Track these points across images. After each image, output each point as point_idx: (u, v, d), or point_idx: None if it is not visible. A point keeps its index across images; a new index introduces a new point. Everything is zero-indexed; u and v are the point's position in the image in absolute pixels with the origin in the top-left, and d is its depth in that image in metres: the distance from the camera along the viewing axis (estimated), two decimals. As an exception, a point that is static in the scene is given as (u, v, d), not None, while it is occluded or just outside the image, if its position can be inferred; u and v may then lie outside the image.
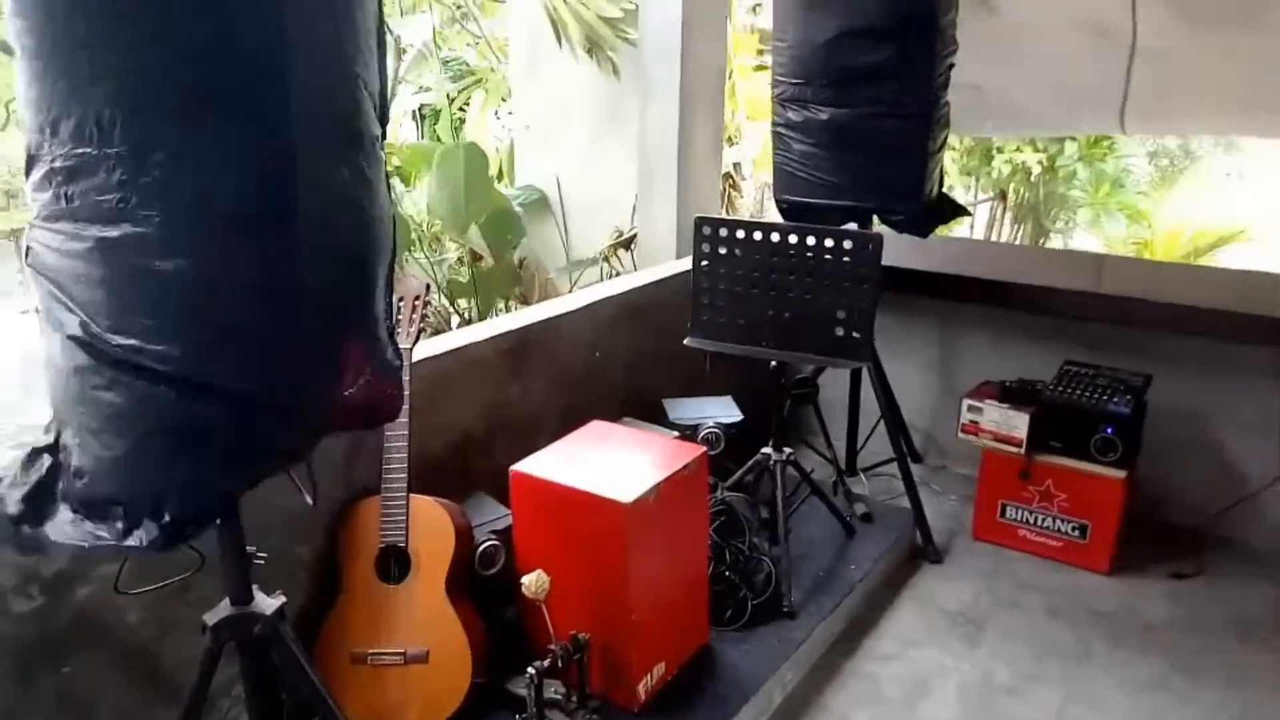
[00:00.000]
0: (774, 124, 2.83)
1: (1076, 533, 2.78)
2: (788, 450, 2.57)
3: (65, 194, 1.11)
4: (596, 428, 2.23)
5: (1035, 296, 3.05)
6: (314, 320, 1.21)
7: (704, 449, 2.10)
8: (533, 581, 1.86)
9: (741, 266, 2.42)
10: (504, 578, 2.09)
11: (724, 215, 4.08)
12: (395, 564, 1.93)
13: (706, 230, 2.44)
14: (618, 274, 3.98)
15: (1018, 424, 2.78)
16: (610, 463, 2.02)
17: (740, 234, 2.41)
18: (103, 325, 1.14)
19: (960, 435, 2.89)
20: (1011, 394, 2.83)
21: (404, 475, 1.93)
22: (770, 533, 2.52)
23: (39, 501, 1.26)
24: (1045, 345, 3.07)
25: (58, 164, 1.10)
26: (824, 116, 2.67)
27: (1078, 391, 2.75)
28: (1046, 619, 2.53)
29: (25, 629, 1.51)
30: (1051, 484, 2.79)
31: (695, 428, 2.64)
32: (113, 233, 1.10)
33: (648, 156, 3.54)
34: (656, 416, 2.75)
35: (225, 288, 1.13)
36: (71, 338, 1.16)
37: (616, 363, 2.84)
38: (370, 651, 1.89)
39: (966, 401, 2.87)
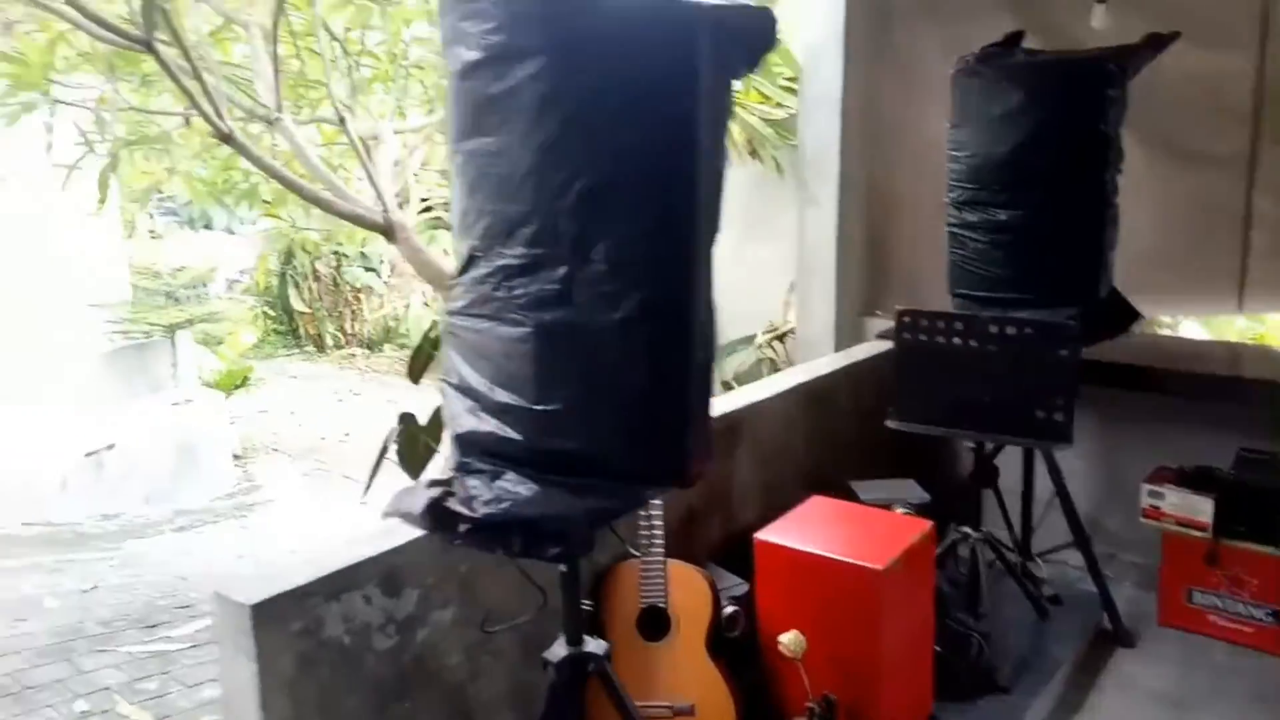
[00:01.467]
0: (949, 224, 3.05)
1: (1271, 619, 2.80)
2: (985, 529, 2.69)
3: (509, 287, 1.37)
4: (819, 503, 2.40)
5: (1193, 383, 3.15)
6: (695, 392, 1.43)
7: (931, 523, 2.25)
8: (791, 640, 2.01)
9: (943, 354, 2.61)
10: (741, 643, 2.23)
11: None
12: (656, 623, 2.10)
13: (908, 320, 2.64)
14: (775, 365, 4.19)
15: (1202, 508, 2.85)
16: (848, 533, 2.18)
17: (941, 324, 2.61)
18: (528, 396, 1.38)
19: (1142, 520, 2.96)
20: (1191, 479, 2.91)
21: (663, 540, 2.12)
22: (970, 609, 2.62)
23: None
24: (1207, 432, 3.13)
25: (511, 263, 1.36)
26: (1002, 217, 2.88)
27: (1262, 476, 2.82)
28: (1255, 704, 2.55)
29: (384, 665, 1.72)
30: (1241, 569, 2.83)
31: (888, 507, 2.77)
32: (548, 317, 1.35)
33: (807, 256, 3.80)
34: (844, 497, 2.90)
35: (639, 361, 1.37)
36: (501, 406, 1.40)
37: (802, 445, 3.02)
38: (639, 704, 2.04)
39: (1146, 487, 2.96)
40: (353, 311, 13.39)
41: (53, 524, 6.14)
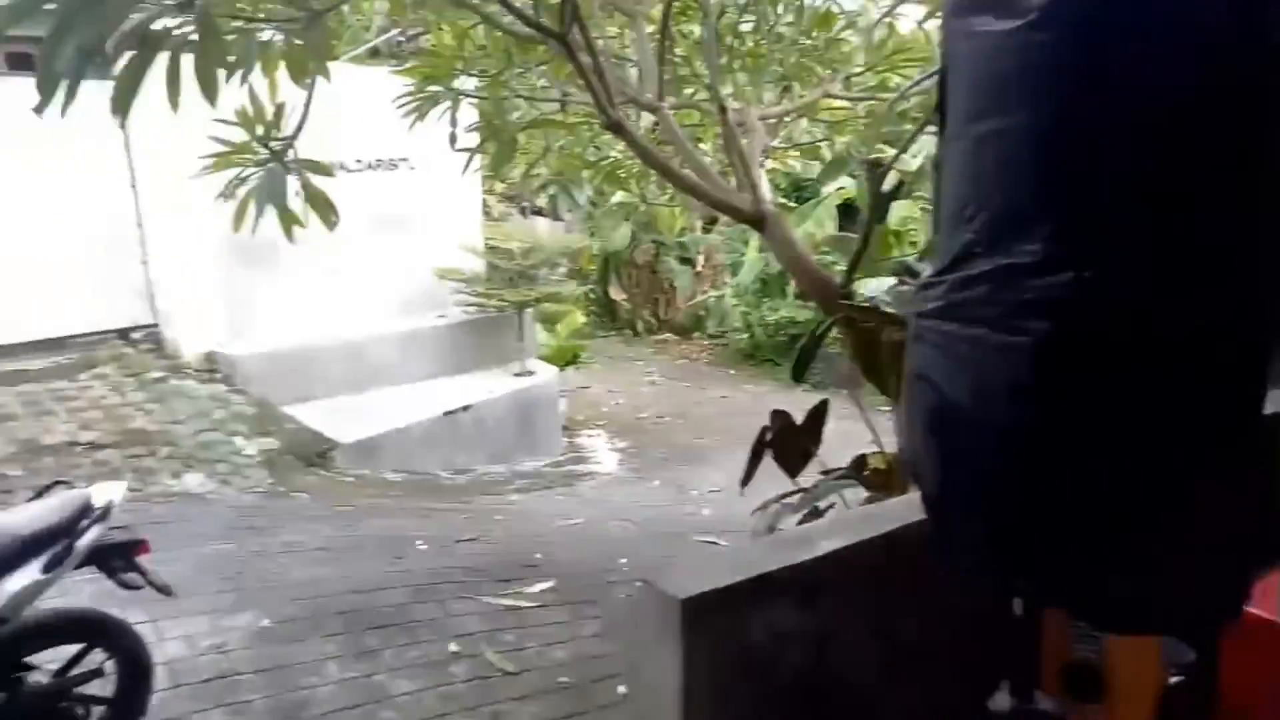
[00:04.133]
0: None
1: None
2: None
3: (1015, 289, 1.19)
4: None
5: None
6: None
7: None
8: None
9: None
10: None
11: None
12: (1085, 681, 1.82)
13: None
14: None
15: None
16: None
17: None
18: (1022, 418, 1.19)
19: None
20: None
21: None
22: None
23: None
24: None
25: (1021, 261, 1.17)
26: None
27: None
28: None
29: (795, 678, 1.63)
30: None
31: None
32: (1061, 327, 1.15)
33: None
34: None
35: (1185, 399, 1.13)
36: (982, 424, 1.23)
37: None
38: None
39: None
40: (667, 299, 13.91)
41: (416, 473, 6.92)
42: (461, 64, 4.16)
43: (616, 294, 14.15)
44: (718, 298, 13.21)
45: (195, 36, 2.04)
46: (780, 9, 4.08)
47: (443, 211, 8.18)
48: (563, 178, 5.62)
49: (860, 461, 2.51)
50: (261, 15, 2.46)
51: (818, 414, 2.60)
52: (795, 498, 2.52)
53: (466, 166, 4.94)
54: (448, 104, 4.18)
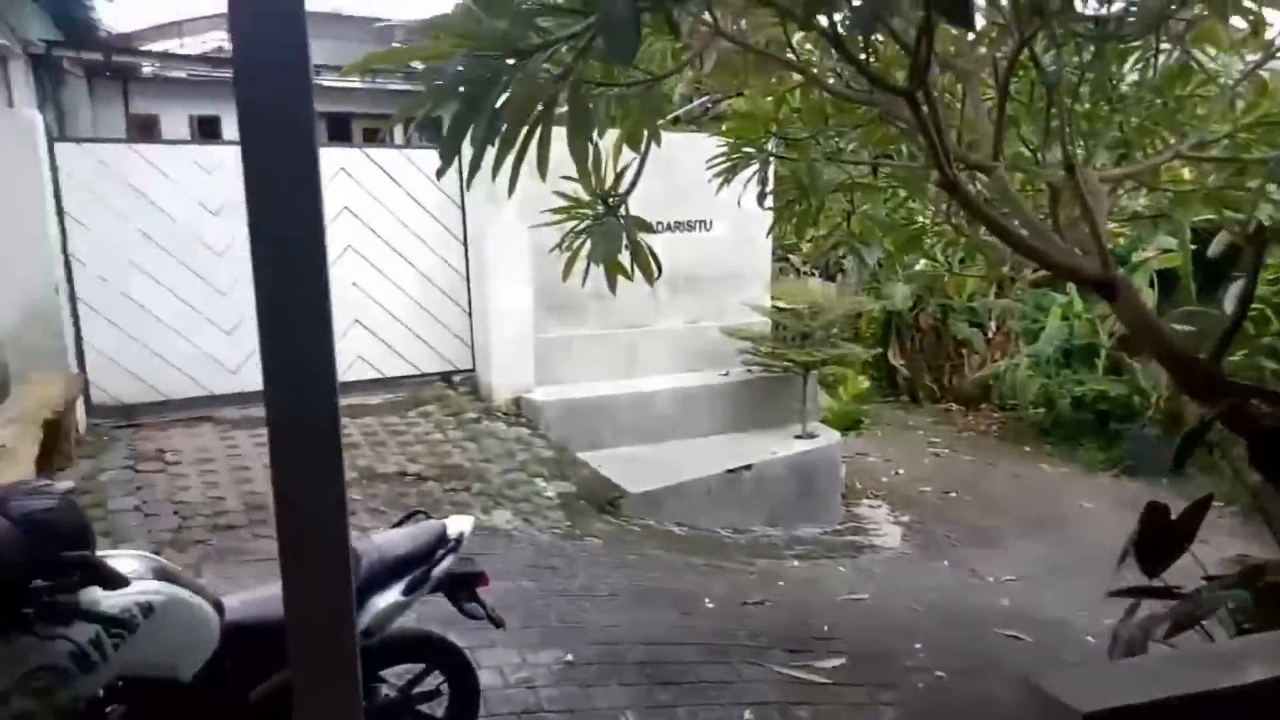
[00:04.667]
0: None
1: None
2: None
3: None
4: None
5: None
6: None
7: None
8: None
9: None
10: None
11: None
12: None
13: None
14: None
15: None
16: None
17: None
18: None
19: None
20: None
21: None
22: None
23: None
24: None
25: None
26: None
27: None
28: None
29: None
30: None
31: None
32: None
33: None
34: None
35: None
36: None
37: None
38: None
39: None
40: (951, 366, 13.11)
41: (697, 528, 6.99)
42: (775, 126, 4.22)
43: (895, 359, 13.59)
44: (1011, 367, 12.26)
45: (566, 107, 2.22)
46: (1127, 66, 3.73)
47: (734, 272, 8.36)
48: (855, 239, 5.50)
49: (1255, 570, 2.13)
50: (615, 82, 2.62)
51: (1198, 509, 2.25)
52: (1167, 603, 2.19)
53: (772, 229, 4.99)
54: (754, 166, 4.25)
